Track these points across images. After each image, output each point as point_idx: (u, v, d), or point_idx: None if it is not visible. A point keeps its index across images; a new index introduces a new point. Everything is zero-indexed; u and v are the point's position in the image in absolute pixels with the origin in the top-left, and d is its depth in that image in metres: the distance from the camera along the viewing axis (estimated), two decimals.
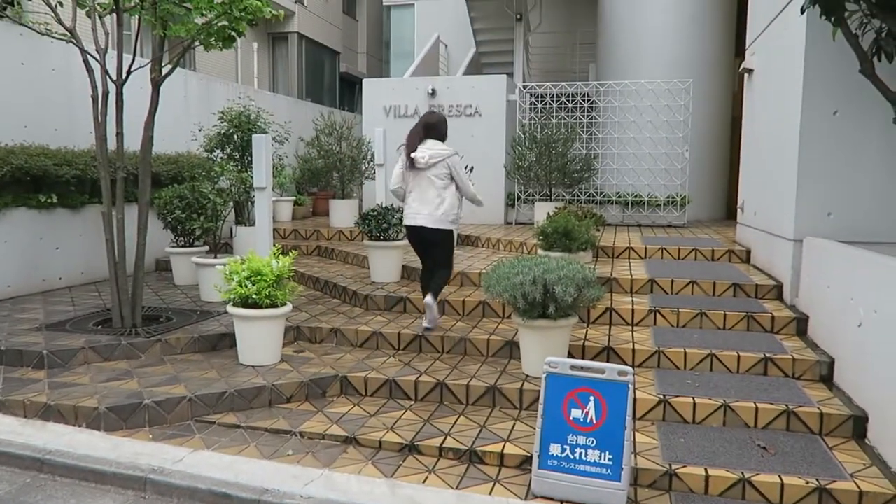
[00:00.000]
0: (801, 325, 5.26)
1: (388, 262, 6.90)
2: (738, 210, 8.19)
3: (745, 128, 8.20)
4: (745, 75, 8.11)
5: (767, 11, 6.96)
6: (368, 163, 10.29)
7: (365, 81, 11.65)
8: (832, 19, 4.14)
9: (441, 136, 5.41)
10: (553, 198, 10.23)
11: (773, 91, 6.70)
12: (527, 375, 4.69)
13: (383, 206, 7.08)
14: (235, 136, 8.53)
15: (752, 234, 7.30)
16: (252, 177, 6.26)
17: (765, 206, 6.76)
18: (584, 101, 10.78)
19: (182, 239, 7.49)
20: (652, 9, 11.05)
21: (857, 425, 3.98)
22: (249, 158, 8.38)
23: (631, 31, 11.36)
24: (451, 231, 5.37)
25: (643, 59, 11.09)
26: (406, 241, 6.55)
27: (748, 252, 7.26)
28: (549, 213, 7.75)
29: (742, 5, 11.09)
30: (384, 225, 6.80)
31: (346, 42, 20.70)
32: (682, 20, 10.97)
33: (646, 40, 11.13)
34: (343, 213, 10.08)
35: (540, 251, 6.63)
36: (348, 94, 20.95)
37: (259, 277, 4.95)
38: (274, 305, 5.01)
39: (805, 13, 4.87)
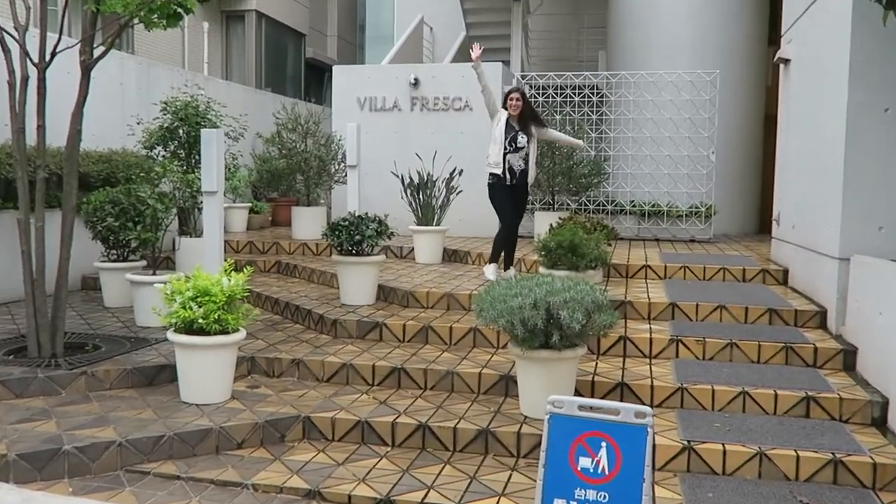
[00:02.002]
0: (848, 358, 5.29)
1: (361, 281, 6.92)
2: (774, 223, 8.28)
3: (780, 127, 8.32)
4: (781, 66, 8.27)
5: None
6: (339, 164, 10.33)
7: (335, 68, 11.69)
8: (883, 1, 4.24)
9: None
10: (557, 206, 10.30)
11: (813, 84, 6.77)
12: (526, 416, 4.67)
13: (356, 214, 7.12)
14: (181, 131, 8.52)
15: (789, 251, 7.36)
16: (200, 179, 6.22)
17: (805, 219, 6.81)
18: (592, 94, 10.87)
19: (114, 252, 7.45)
20: None
21: None
22: (197, 157, 8.36)
23: (647, 14, 11.48)
24: (488, 181, 7.22)
25: (662, 47, 11.22)
26: (382, 258, 7.06)
27: (785, 272, 7.31)
28: (551, 225, 7.80)
29: None
30: (357, 237, 6.81)
31: (313, 23, 20.72)
32: (708, 1, 11.15)
33: (665, 24, 11.27)
34: (308, 223, 10.11)
35: (542, 269, 6.68)
36: (316, 83, 21.00)
37: (207, 298, 4.90)
38: (224, 332, 4.97)
39: None
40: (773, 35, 11.74)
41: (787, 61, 7.96)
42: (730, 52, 11.12)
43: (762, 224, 11.83)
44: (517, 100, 7.10)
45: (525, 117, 7.14)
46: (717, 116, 10.39)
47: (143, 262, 7.46)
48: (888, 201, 5.45)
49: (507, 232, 7.28)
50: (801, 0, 7.34)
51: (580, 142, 8.30)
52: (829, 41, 6.13)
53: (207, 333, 4.92)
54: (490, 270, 7.38)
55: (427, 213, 9.03)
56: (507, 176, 7.13)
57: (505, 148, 7.10)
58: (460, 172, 9.28)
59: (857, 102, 5.46)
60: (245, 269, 5.21)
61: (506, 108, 7.13)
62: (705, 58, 10.90)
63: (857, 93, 5.44)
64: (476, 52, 7.20)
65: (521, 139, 7.13)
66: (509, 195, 7.19)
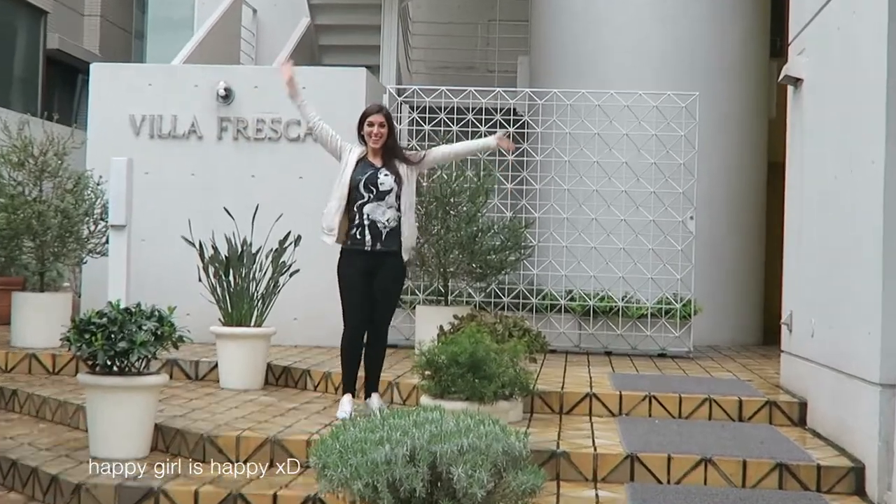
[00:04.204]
0: None
1: (127, 419, 6.77)
2: (783, 328, 8.44)
3: (789, 181, 8.59)
4: (790, 88, 8.56)
5: None
6: (96, 223, 10.20)
7: (95, 68, 11.60)
8: None
9: None
10: (452, 299, 10.33)
11: (836, 117, 6.99)
12: None
13: (122, 305, 6.90)
14: None
15: (808, 372, 7.49)
16: None
17: (829, 323, 6.93)
18: (508, 122, 11.06)
19: None
20: None
21: None
22: None
23: (593, 7, 11.85)
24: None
25: (615, 55, 11.60)
26: (163, 379, 7.05)
27: (802, 405, 7.47)
28: (442, 328, 7.89)
29: None
30: (122, 344, 6.58)
31: None
32: None
33: (620, 23, 11.67)
34: (40, 321, 9.93)
35: (425, 399, 6.75)
36: (63, 89, 20.85)
37: None
38: None
39: None
40: (776, 42, 12.17)
41: (797, 81, 8.22)
42: (715, 65, 11.61)
43: (767, 330, 12.08)
44: (381, 125, 7.25)
45: (389, 151, 7.32)
46: (696, 162, 10.65)
47: None
48: None
49: (348, 334, 7.39)
50: None
51: (489, 140, 8.12)
52: (856, 52, 6.37)
53: None
54: (345, 403, 7.31)
55: (241, 307, 8.95)
56: (367, 237, 7.21)
57: (361, 196, 7.19)
58: (297, 240, 9.23)
59: None
60: None
61: (361, 140, 7.33)
62: (679, 73, 11.30)
63: None
64: (286, 71, 7.40)
65: (386, 179, 7.24)
66: (364, 271, 7.26)
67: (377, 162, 7.24)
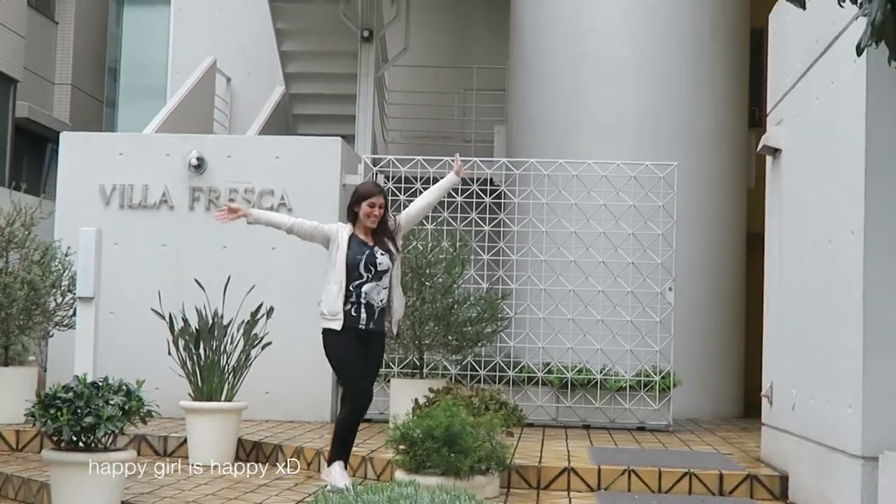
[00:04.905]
0: None
1: (94, 497, 6.68)
2: (764, 401, 8.47)
3: (768, 251, 8.64)
4: (768, 158, 8.65)
5: (802, 51, 7.49)
6: (63, 295, 10.22)
7: (65, 137, 11.62)
8: None
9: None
10: (427, 371, 10.32)
11: (815, 188, 7.08)
12: None
13: (88, 379, 6.86)
14: None
15: (789, 445, 7.52)
16: None
17: (810, 395, 6.96)
18: (484, 192, 11.11)
19: None
20: (608, 44, 11.73)
21: None
22: None
23: (571, 77, 12.00)
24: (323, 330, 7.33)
25: (591, 125, 11.69)
26: (131, 454, 7.10)
27: (783, 479, 7.49)
28: (416, 401, 7.98)
29: (757, 43, 12.24)
30: (88, 419, 6.55)
31: (32, 62, 20.90)
32: (661, 62, 11.80)
33: (597, 92, 11.77)
34: (3, 395, 9.82)
35: (400, 474, 6.76)
36: (31, 158, 20.95)
37: None
38: None
39: (864, 55, 5.14)
40: (755, 112, 12.27)
41: (775, 151, 8.31)
42: (693, 135, 11.73)
43: (748, 403, 12.12)
44: (380, 207, 7.32)
45: (381, 229, 7.38)
46: (675, 232, 10.70)
47: None
48: None
49: (359, 402, 7.29)
50: (794, 64, 7.77)
51: (449, 177, 8.13)
52: (835, 122, 6.47)
53: None
54: (337, 472, 7.19)
55: (211, 380, 8.89)
56: (363, 315, 7.22)
57: (360, 276, 7.20)
58: (269, 312, 9.26)
59: (878, 218, 5.72)
60: None
61: (351, 215, 7.39)
62: (657, 143, 11.40)
63: (879, 198, 5.72)
64: (223, 215, 7.61)
65: (382, 259, 7.30)
66: (356, 343, 7.25)
67: (369, 241, 7.28)
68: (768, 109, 8.85)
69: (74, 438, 6.57)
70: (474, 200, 11.03)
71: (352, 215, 7.32)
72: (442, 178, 10.75)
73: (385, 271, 7.26)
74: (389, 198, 11.05)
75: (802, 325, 7.25)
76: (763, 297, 8.82)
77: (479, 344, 10.32)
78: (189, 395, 8.88)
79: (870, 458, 5.65)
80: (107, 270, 9.06)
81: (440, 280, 9.96)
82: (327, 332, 7.26)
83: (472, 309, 10.14)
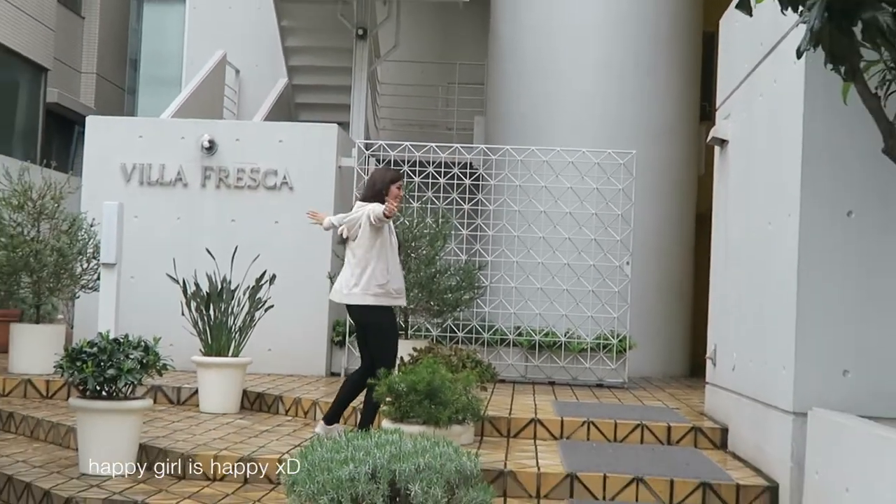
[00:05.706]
0: None
1: (113, 439, 6.91)
2: (708, 362, 8.83)
3: (715, 230, 9.01)
4: (716, 148, 8.94)
5: (748, 53, 7.74)
6: (88, 261, 10.41)
7: (90, 120, 11.82)
8: (842, 70, 4.66)
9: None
10: (411, 333, 10.64)
11: (757, 175, 7.38)
12: None
13: (110, 337, 7.03)
14: None
15: (729, 401, 7.84)
16: None
17: (748, 357, 7.30)
18: (464, 175, 11.52)
19: None
20: (576, 43, 12.14)
21: None
22: None
23: (542, 72, 12.43)
24: (376, 308, 7.30)
25: (561, 116, 12.12)
26: (148, 403, 7.28)
27: (724, 431, 7.81)
28: (402, 359, 8.03)
29: (709, 45, 12.54)
30: (110, 371, 6.72)
31: (62, 53, 20.95)
32: (621, 60, 12.24)
33: (566, 87, 12.23)
34: (35, 349, 10.07)
35: (386, 423, 6.91)
36: (60, 140, 20.94)
37: None
38: None
39: (803, 58, 5.24)
40: (705, 107, 12.91)
41: (723, 142, 8.62)
42: (651, 126, 12.16)
43: (694, 364, 12.52)
44: (400, 188, 7.55)
45: None
46: (633, 213, 11.22)
47: None
48: (856, 336, 5.86)
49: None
50: (742, 62, 8.00)
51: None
52: (777, 118, 6.72)
53: None
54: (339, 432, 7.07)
55: (220, 338, 9.18)
56: (402, 292, 7.60)
57: (398, 254, 7.56)
58: (272, 279, 9.51)
59: (812, 202, 5.95)
60: None
61: (380, 196, 7.30)
62: (619, 134, 11.82)
63: (813, 188, 5.94)
64: (313, 215, 8.02)
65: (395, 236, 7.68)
66: None
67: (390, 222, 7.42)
68: (717, 105, 9.17)
69: (98, 388, 6.72)
70: (455, 182, 11.45)
71: (378, 196, 7.24)
72: (427, 161, 11.31)
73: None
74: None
75: (744, 295, 7.50)
76: (709, 270, 9.16)
77: (458, 309, 10.73)
78: (200, 350, 9.17)
79: (800, 413, 5.86)
80: (128, 239, 9.35)
81: (424, 252, 10.30)
82: (386, 310, 7.42)
83: (452, 278, 10.54)
